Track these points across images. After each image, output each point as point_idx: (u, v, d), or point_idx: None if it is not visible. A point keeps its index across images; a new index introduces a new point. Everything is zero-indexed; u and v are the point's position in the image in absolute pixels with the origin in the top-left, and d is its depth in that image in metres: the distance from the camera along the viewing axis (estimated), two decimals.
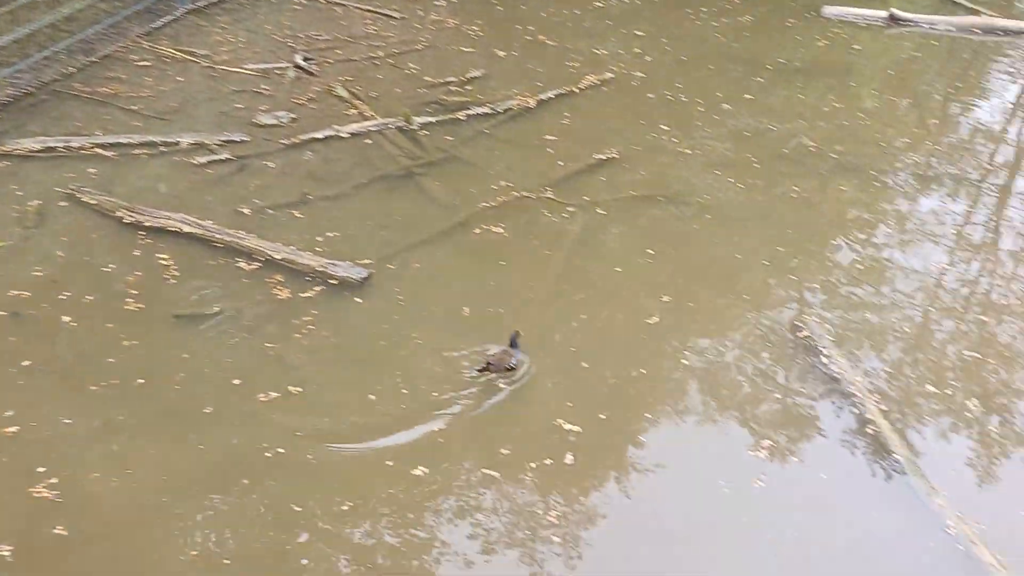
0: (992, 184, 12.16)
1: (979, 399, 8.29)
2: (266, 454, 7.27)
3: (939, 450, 7.77)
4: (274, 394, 7.86)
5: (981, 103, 14.51)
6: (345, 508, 6.86)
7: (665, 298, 9.33)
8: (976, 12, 17.38)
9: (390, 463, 7.27)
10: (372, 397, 7.92)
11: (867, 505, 7.22)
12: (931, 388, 8.40)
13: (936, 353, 8.93)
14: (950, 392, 8.36)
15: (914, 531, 6.97)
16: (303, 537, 6.63)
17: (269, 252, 9.53)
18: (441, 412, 7.80)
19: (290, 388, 7.92)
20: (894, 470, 7.46)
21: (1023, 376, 8.64)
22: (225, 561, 6.42)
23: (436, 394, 7.97)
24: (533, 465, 7.34)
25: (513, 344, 8.23)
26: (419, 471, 7.21)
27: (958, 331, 9.27)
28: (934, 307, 9.61)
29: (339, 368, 8.27)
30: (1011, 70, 15.60)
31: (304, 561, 6.47)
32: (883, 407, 8.08)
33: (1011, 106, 14.50)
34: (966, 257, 10.55)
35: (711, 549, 6.81)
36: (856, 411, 8.01)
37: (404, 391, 8.00)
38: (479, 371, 8.13)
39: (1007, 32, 16.78)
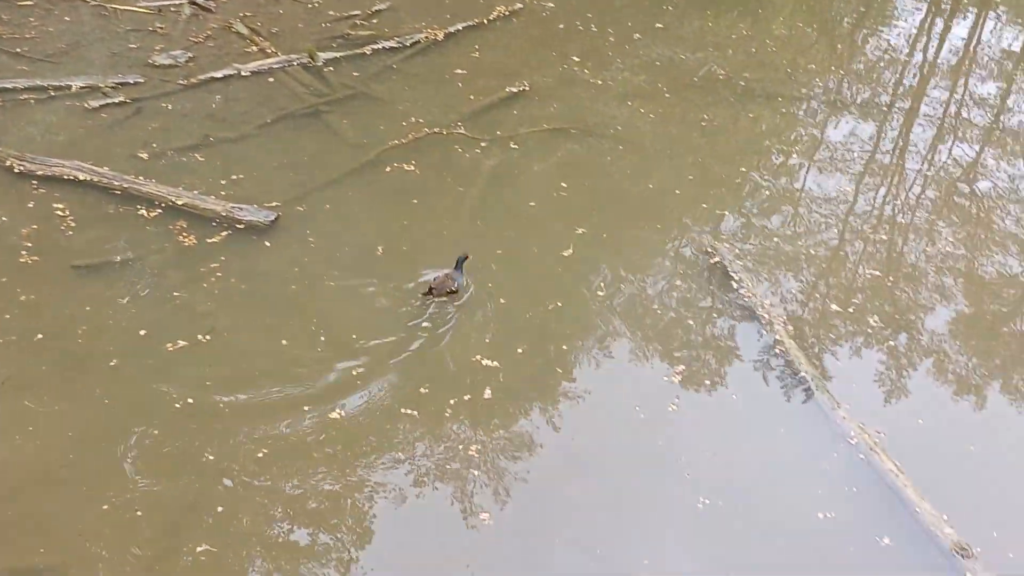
0: (899, 108, 12.44)
1: (882, 317, 8.58)
2: (175, 405, 7.08)
3: (844, 367, 8.05)
4: (182, 343, 7.63)
5: (887, 28, 14.78)
6: (261, 455, 6.76)
7: (580, 230, 9.33)
8: None
9: (306, 408, 7.17)
10: (284, 342, 7.76)
11: (776, 422, 7.46)
12: (837, 308, 8.66)
13: (844, 275, 9.18)
14: (855, 311, 8.64)
15: (820, 444, 7.24)
16: (220, 486, 6.51)
17: (170, 198, 9.16)
18: (357, 354, 7.70)
19: (199, 336, 7.70)
20: (801, 388, 7.70)
21: (927, 293, 8.97)
22: (137, 512, 6.27)
23: (352, 336, 7.86)
24: (452, 402, 7.34)
25: (458, 267, 8.27)
26: (336, 414, 7.13)
27: (866, 253, 9.53)
28: (843, 230, 9.86)
29: (250, 314, 8.06)
30: None
31: (220, 508, 6.37)
32: (791, 328, 8.31)
33: (916, 31, 14.80)
34: (874, 181, 10.81)
35: (628, 475, 6.95)
36: (765, 333, 8.21)
37: (318, 335, 7.87)
38: (423, 295, 8.18)
39: None
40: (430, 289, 8.19)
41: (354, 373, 7.50)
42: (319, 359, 7.62)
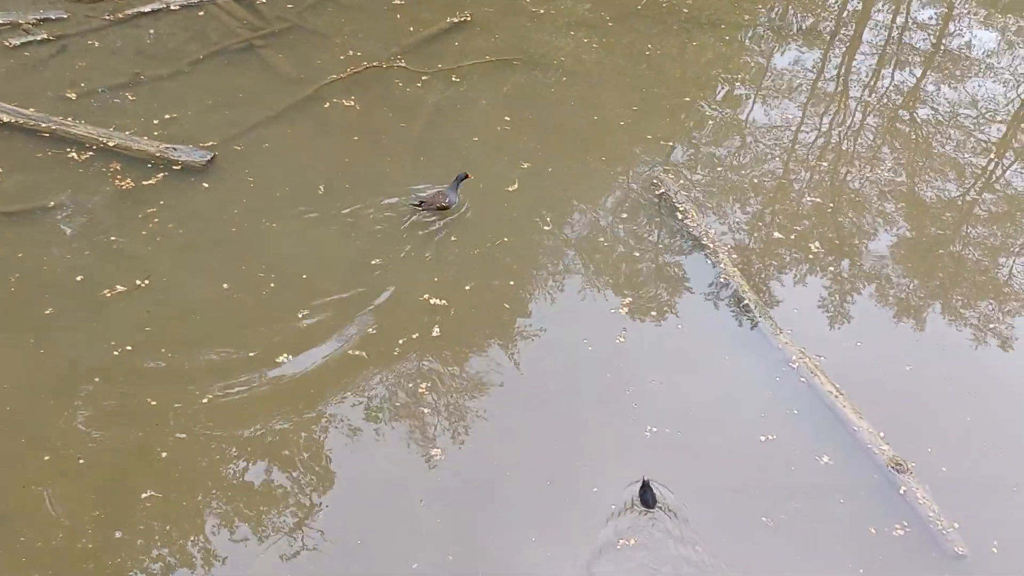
0: (843, 34, 12.43)
1: (824, 243, 8.69)
2: (114, 353, 6.94)
3: (787, 293, 8.16)
4: (121, 288, 7.46)
5: None
6: (206, 400, 6.68)
7: (525, 164, 9.25)
8: None
9: (252, 354, 7.07)
10: (226, 286, 7.62)
11: (721, 350, 7.57)
12: (781, 236, 8.74)
13: (789, 202, 9.25)
14: (798, 238, 8.73)
15: (763, 369, 7.37)
16: (163, 432, 6.43)
17: (101, 139, 8.86)
18: (302, 296, 7.59)
19: (137, 281, 7.52)
20: (745, 315, 7.80)
21: (869, 219, 9.09)
22: (80, 461, 6.19)
23: (297, 277, 7.74)
24: (401, 342, 7.29)
25: (456, 185, 8.42)
26: (283, 358, 7.05)
27: (810, 180, 9.59)
28: (788, 159, 9.90)
29: (189, 257, 7.89)
30: None
31: (164, 454, 6.31)
32: (736, 257, 8.38)
33: None
34: (819, 109, 10.83)
35: (577, 407, 7.01)
36: (711, 263, 8.28)
37: (260, 277, 7.73)
38: (414, 206, 8.38)
39: None
40: (421, 202, 8.36)
41: (299, 316, 7.40)
42: (262, 302, 7.51)
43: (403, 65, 10.42)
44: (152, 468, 6.22)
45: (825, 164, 9.85)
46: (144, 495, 6.05)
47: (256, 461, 6.36)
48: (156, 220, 8.14)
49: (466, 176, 8.47)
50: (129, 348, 6.99)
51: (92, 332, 7.08)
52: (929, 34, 12.66)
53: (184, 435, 6.43)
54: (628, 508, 6.25)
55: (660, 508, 6.21)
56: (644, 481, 6.27)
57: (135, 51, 10.37)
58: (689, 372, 7.34)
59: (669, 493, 6.34)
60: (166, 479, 6.16)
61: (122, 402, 6.60)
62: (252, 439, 6.48)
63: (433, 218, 8.40)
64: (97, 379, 6.74)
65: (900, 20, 13.02)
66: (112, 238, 7.94)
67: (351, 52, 10.56)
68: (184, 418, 6.54)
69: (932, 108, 10.97)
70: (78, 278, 7.52)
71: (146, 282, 7.51)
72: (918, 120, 10.77)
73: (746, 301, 7.88)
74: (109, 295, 7.38)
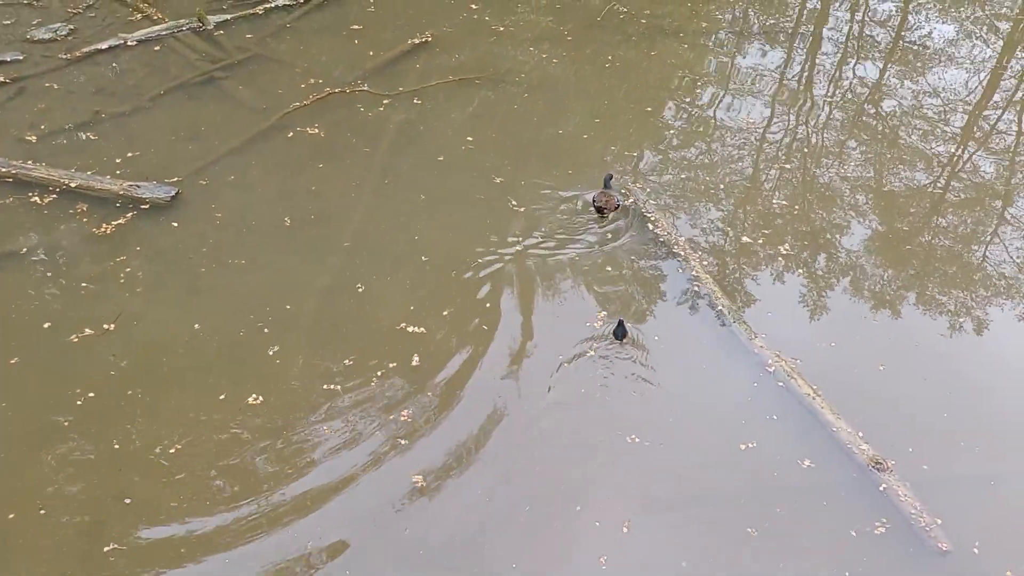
0: (803, 33, 12.50)
1: (793, 244, 8.71)
2: (77, 403, 6.84)
3: (760, 296, 8.16)
4: (89, 331, 7.36)
5: None
6: (177, 439, 6.58)
7: (498, 179, 9.23)
8: None
9: (222, 397, 6.96)
10: (197, 326, 7.52)
11: (699, 358, 7.54)
12: (750, 239, 8.75)
13: (758, 203, 9.25)
14: (769, 240, 8.74)
15: (740, 374, 7.36)
16: (132, 477, 6.33)
17: (63, 180, 8.78)
18: (271, 332, 7.50)
19: (105, 326, 7.42)
20: (719, 321, 7.80)
21: (839, 216, 9.11)
22: (41, 512, 6.09)
23: (264, 314, 7.65)
24: (379, 373, 7.23)
25: (607, 185, 8.79)
26: (253, 399, 6.95)
27: (778, 180, 9.61)
28: (756, 159, 9.91)
29: (159, 298, 7.79)
30: None
31: (128, 501, 6.21)
32: (707, 262, 8.38)
33: None
34: (784, 108, 10.88)
35: (556, 423, 6.96)
36: (682, 270, 8.27)
37: (230, 315, 7.64)
38: (598, 213, 8.76)
39: None
40: (600, 208, 8.76)
41: (270, 353, 7.31)
42: (233, 343, 7.41)
43: (365, 89, 10.39)
44: (119, 515, 6.11)
45: (793, 163, 9.89)
46: (106, 548, 5.93)
47: (229, 502, 6.26)
48: (125, 261, 8.06)
49: (612, 176, 8.93)
50: (92, 395, 6.89)
51: (57, 380, 6.97)
52: (888, 29, 12.77)
53: (151, 481, 6.32)
54: (603, 337, 7.55)
55: (628, 343, 7.52)
56: (620, 321, 7.50)
57: (95, 89, 10.30)
58: (667, 382, 7.31)
59: (640, 334, 7.52)
60: (134, 526, 6.05)
61: (89, 448, 6.50)
62: (226, 473, 6.39)
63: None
64: (65, 424, 6.63)
65: (859, 16, 13.13)
66: (81, 281, 7.85)
67: (313, 79, 10.53)
68: (153, 462, 6.43)
69: (896, 100, 11.05)
70: (45, 325, 7.42)
71: (112, 326, 7.42)
72: (883, 113, 10.84)
73: (720, 307, 7.88)
74: (76, 340, 7.28)
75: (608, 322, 7.73)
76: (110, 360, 7.15)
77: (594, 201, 8.80)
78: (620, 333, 7.51)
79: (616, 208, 8.79)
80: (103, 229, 8.38)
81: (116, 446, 6.54)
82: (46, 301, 7.69)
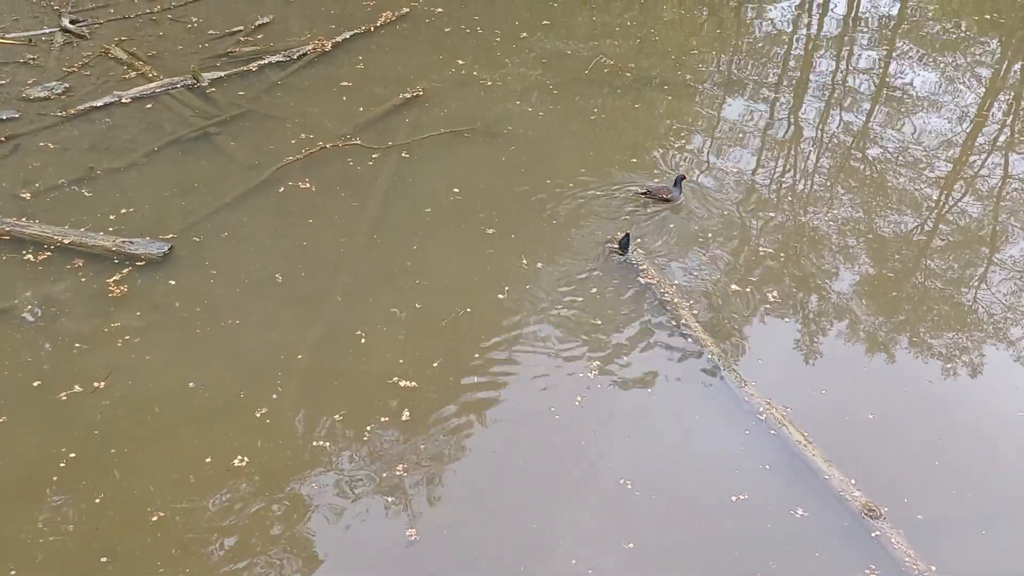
0: (788, 82, 12.72)
1: (781, 292, 8.76)
2: (60, 464, 6.79)
3: (749, 343, 8.20)
4: (78, 388, 7.36)
5: (772, 6, 15.10)
6: (164, 511, 6.50)
7: (490, 230, 9.31)
8: None
9: (208, 459, 6.90)
10: (192, 384, 7.51)
11: (690, 408, 7.54)
12: (738, 286, 8.80)
13: (748, 250, 9.31)
14: (757, 287, 8.78)
15: (731, 423, 7.36)
16: (114, 536, 6.28)
17: (56, 237, 8.83)
18: (264, 391, 7.46)
19: (95, 383, 7.41)
20: (709, 369, 7.82)
21: (827, 263, 9.18)
22: (11, 573, 6.03)
23: (256, 372, 7.63)
24: (369, 428, 7.22)
25: (677, 184, 9.76)
26: (239, 461, 6.89)
27: (767, 227, 9.68)
28: (744, 207, 9.99)
29: (151, 355, 7.77)
30: None
31: (104, 559, 6.13)
32: (695, 311, 8.42)
33: (797, 8, 15.19)
34: (771, 154, 11.01)
35: (549, 474, 6.95)
36: (672, 319, 8.31)
37: (222, 374, 7.62)
38: (641, 194, 9.85)
39: None
40: (647, 191, 9.80)
41: (257, 415, 7.27)
42: (224, 398, 7.39)
43: (356, 143, 10.52)
44: (100, 574, 6.06)
45: (781, 209, 9.96)
46: None
47: (215, 566, 6.20)
48: (118, 317, 8.08)
49: (684, 177, 9.82)
50: (73, 456, 6.86)
51: (44, 438, 6.94)
52: (873, 77, 13.00)
53: (132, 541, 6.27)
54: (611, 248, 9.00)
55: (628, 257, 8.92)
56: (627, 233, 8.91)
57: (89, 146, 10.41)
58: (658, 432, 7.31)
59: (641, 250, 8.87)
60: None
61: (68, 508, 6.46)
62: (211, 536, 6.34)
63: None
64: (48, 489, 6.59)
65: (843, 65, 13.37)
66: (73, 338, 7.86)
67: (304, 134, 10.66)
68: (133, 524, 6.38)
69: (881, 147, 11.19)
70: (35, 383, 7.42)
71: (103, 384, 7.42)
72: (869, 158, 10.97)
73: (710, 355, 7.91)
74: (65, 398, 7.27)
75: (599, 375, 7.76)
76: (97, 418, 7.13)
77: (648, 188, 9.83)
78: (625, 243, 8.85)
79: (661, 199, 9.76)
80: (98, 286, 8.41)
81: (99, 504, 6.50)
82: (38, 359, 7.69)
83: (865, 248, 9.39)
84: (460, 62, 12.43)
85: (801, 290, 8.82)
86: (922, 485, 6.92)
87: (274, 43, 12.48)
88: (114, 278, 8.49)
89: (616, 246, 9.04)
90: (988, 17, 14.60)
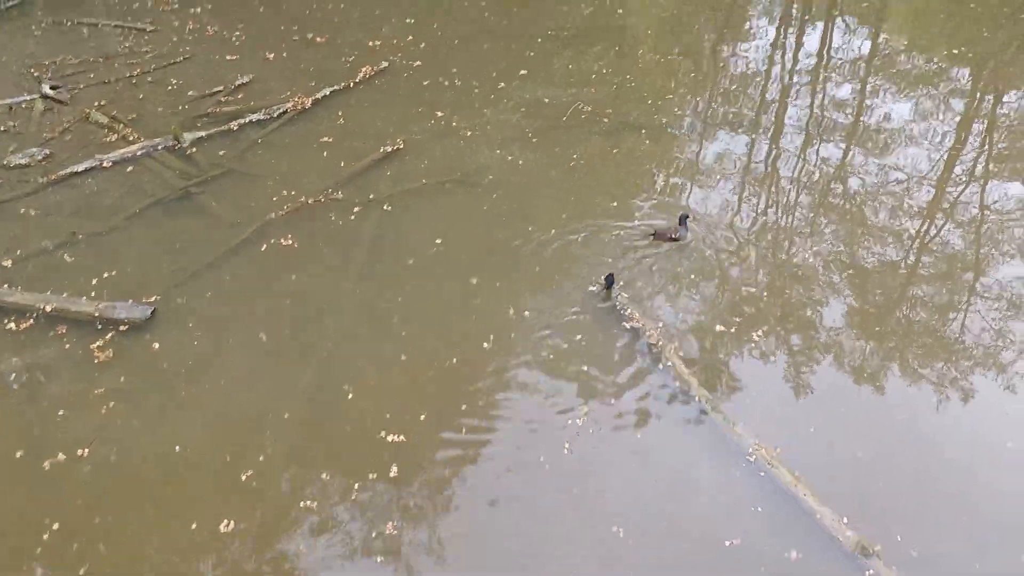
0: (766, 121, 12.84)
1: (768, 328, 8.76)
2: (44, 536, 6.70)
3: (736, 383, 8.17)
4: (62, 457, 7.27)
5: (747, 45, 15.33)
6: (170, 573, 6.43)
7: (474, 280, 9.32)
8: None
9: (194, 526, 6.81)
10: (177, 448, 7.45)
11: (679, 449, 7.50)
12: (723, 327, 8.79)
13: (732, 290, 9.32)
14: (742, 326, 8.78)
15: (722, 466, 7.32)
16: None
17: (37, 304, 8.80)
18: (251, 456, 7.40)
19: (78, 451, 7.34)
20: (697, 411, 7.79)
21: (815, 295, 9.18)
22: None
23: (242, 434, 7.58)
24: (357, 486, 7.15)
25: (683, 223, 9.88)
26: (225, 526, 6.82)
27: (751, 265, 9.70)
28: (726, 245, 10.01)
29: (135, 421, 7.73)
30: (767, 12, 16.58)
31: None
32: (682, 354, 8.41)
33: (771, 47, 15.42)
34: (752, 191, 11.08)
35: (541, 524, 6.88)
36: (657, 362, 8.29)
37: (208, 437, 7.57)
38: (649, 236, 10.00)
39: None
40: (656, 232, 9.96)
41: (243, 477, 7.21)
42: (209, 462, 7.32)
43: (337, 198, 10.56)
44: None
45: (764, 247, 9.98)
46: None
47: None
48: (102, 383, 8.05)
49: (688, 215, 9.99)
50: (57, 527, 6.77)
51: (27, 509, 6.86)
52: (848, 111, 13.15)
53: None
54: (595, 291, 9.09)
55: (613, 299, 9.08)
56: (610, 274, 9.14)
57: (71, 211, 10.43)
58: (648, 479, 7.25)
59: (625, 294, 9.04)
60: None
61: None
62: None
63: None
64: (33, 559, 6.49)
65: (818, 101, 13.53)
66: (57, 405, 7.80)
67: (285, 191, 10.70)
68: None
69: (860, 179, 11.28)
70: (18, 453, 7.34)
71: (87, 451, 7.34)
72: (849, 192, 11.05)
73: (697, 396, 7.88)
74: (48, 467, 7.19)
75: (587, 421, 7.72)
76: (82, 487, 7.04)
77: (656, 229, 9.99)
78: (609, 282, 9.08)
79: (668, 239, 9.88)
80: (82, 351, 8.37)
81: (84, 575, 6.40)
82: (21, 428, 7.62)
83: (848, 283, 9.41)
84: (439, 114, 12.54)
85: (785, 328, 8.82)
86: (914, 520, 6.87)
87: (254, 102, 12.58)
88: (98, 343, 8.45)
89: (599, 289, 9.06)
90: (956, 52, 14.83)
